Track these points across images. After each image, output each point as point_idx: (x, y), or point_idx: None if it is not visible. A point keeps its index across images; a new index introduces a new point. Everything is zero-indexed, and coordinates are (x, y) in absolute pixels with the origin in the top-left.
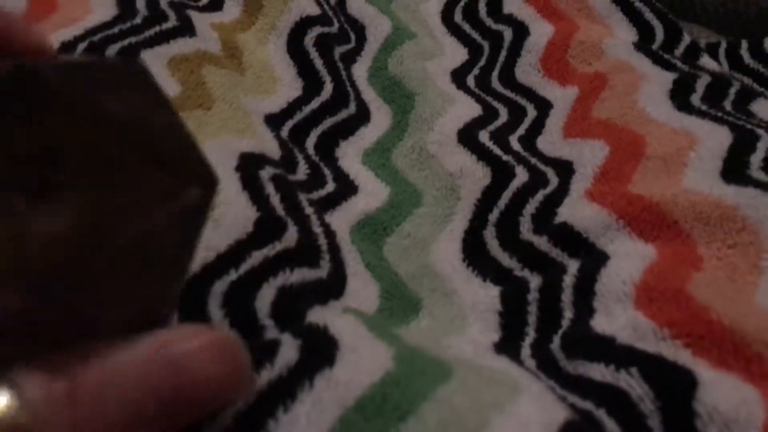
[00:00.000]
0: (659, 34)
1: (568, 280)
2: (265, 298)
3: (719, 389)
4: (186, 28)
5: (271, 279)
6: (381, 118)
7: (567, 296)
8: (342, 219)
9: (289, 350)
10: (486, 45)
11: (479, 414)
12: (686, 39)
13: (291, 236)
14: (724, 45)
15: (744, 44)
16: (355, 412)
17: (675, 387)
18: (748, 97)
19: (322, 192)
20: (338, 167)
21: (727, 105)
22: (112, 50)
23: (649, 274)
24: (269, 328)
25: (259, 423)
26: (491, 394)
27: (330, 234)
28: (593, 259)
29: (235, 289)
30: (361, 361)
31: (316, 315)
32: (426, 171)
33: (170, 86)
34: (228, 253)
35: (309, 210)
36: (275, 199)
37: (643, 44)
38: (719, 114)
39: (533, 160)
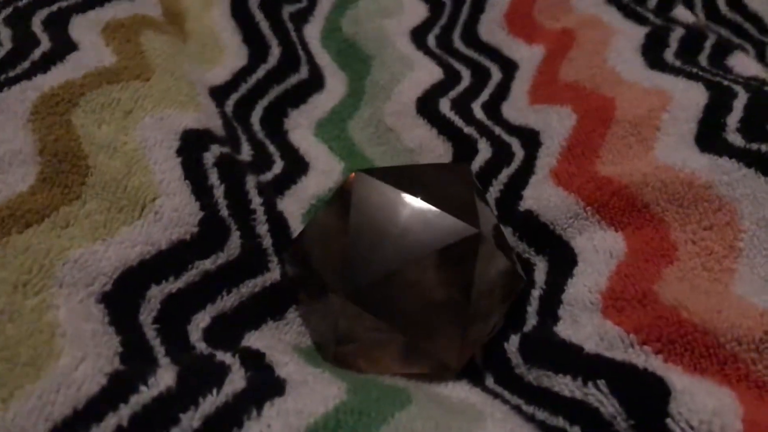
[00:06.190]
0: None
1: (536, 293)
2: (199, 324)
3: (693, 397)
4: None
5: (209, 305)
6: (336, 84)
7: (533, 307)
8: (293, 205)
9: (236, 377)
10: (448, 1)
11: None
12: None
13: (234, 244)
14: None
15: None
16: None
17: (646, 399)
18: (724, 50)
19: (269, 175)
20: (287, 142)
21: (703, 60)
22: (38, 17)
23: (615, 278)
24: (201, 349)
25: None
26: (455, 421)
27: (279, 228)
28: (560, 262)
29: (172, 304)
30: (313, 393)
31: (255, 342)
32: (384, 146)
33: (104, 57)
34: (169, 252)
35: (257, 201)
36: (219, 192)
37: None
38: (694, 70)
39: (497, 130)
